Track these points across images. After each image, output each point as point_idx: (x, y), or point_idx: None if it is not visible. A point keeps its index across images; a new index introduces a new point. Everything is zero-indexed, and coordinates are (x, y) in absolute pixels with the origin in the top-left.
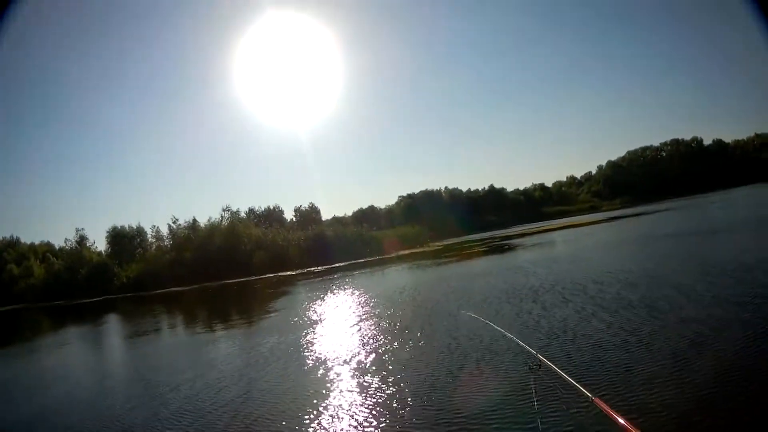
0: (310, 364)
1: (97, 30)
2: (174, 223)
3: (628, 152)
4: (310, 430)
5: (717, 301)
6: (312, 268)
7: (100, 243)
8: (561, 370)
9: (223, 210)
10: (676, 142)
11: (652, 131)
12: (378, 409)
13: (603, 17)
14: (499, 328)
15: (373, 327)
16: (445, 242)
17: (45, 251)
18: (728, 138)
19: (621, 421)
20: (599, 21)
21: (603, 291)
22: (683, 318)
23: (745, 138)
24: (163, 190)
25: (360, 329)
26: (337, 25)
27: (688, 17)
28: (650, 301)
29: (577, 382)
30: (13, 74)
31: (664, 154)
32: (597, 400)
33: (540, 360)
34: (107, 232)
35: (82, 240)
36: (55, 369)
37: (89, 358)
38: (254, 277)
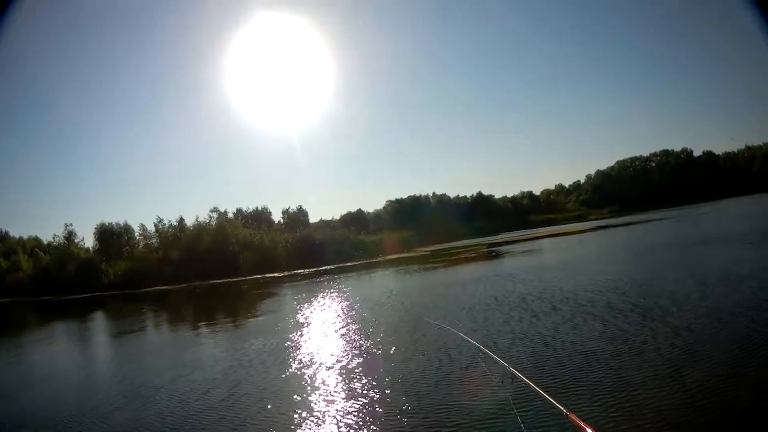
0: (292, 369)
1: (87, 29)
2: (159, 222)
3: (618, 162)
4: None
5: (710, 311)
6: (299, 271)
7: (88, 239)
8: (535, 384)
9: (211, 211)
10: (665, 153)
11: (641, 142)
12: (353, 421)
13: (594, 25)
14: (473, 342)
15: (354, 333)
16: (433, 248)
17: (33, 246)
18: (719, 150)
19: None
20: (590, 29)
21: (591, 300)
22: (673, 327)
23: (735, 150)
24: (151, 189)
25: (342, 335)
26: (327, 28)
27: (680, 28)
28: (640, 310)
29: (551, 397)
30: (1, 71)
31: (654, 164)
32: (571, 415)
33: (512, 374)
34: (95, 228)
35: (70, 236)
36: (38, 367)
37: (73, 357)
38: (241, 278)
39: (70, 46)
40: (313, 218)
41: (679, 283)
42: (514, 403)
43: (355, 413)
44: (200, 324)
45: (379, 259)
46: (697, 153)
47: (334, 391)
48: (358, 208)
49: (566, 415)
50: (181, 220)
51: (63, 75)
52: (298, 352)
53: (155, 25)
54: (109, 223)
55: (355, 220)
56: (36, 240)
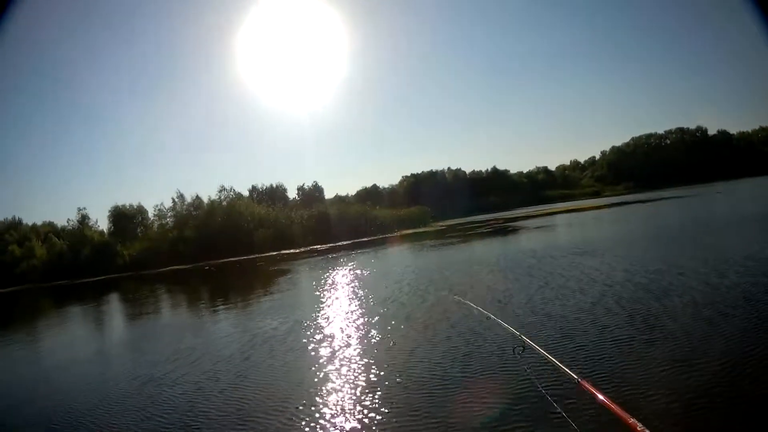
0: (310, 351)
1: (97, 9)
2: (179, 197)
3: (633, 138)
4: (302, 417)
5: (733, 292)
6: (315, 247)
7: (102, 222)
8: (547, 352)
9: (219, 191)
10: (680, 131)
11: (656, 119)
12: (362, 392)
13: (612, 2)
14: (484, 311)
15: (371, 309)
16: (448, 222)
17: (47, 231)
18: (733, 129)
19: (607, 402)
20: (608, 6)
21: (610, 277)
22: (694, 304)
23: (750, 130)
24: (165, 170)
25: (358, 311)
26: (341, 3)
27: (697, 9)
28: (661, 287)
29: (563, 365)
30: (10, 55)
31: (669, 141)
32: (584, 383)
33: (524, 342)
34: (109, 211)
35: (84, 219)
36: (51, 355)
37: (85, 341)
38: (256, 255)
39: (78, 25)
40: (329, 194)
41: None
42: (528, 371)
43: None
44: (214, 303)
45: (394, 234)
46: (711, 132)
47: (354, 375)
48: (373, 183)
49: (578, 382)
50: (197, 197)
51: (74, 58)
52: (311, 333)
53: (169, 4)
54: (122, 205)
55: (371, 195)
56: (50, 225)
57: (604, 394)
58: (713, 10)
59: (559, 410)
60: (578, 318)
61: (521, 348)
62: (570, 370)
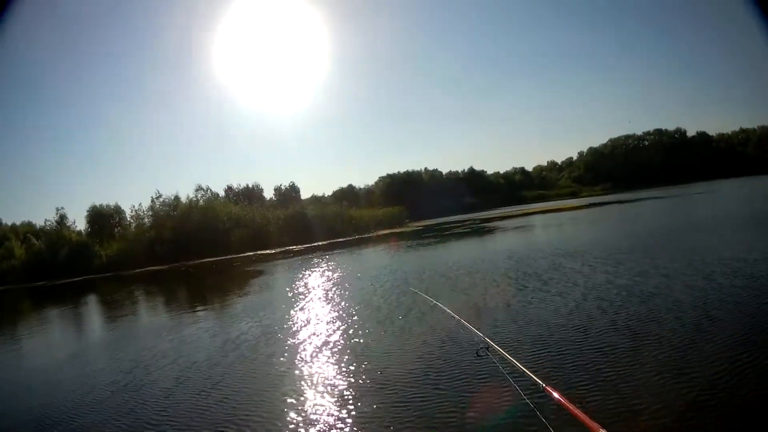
0: (280, 349)
1: (75, 8)
2: (157, 198)
3: (611, 139)
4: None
5: (714, 293)
6: (291, 247)
7: (79, 222)
8: (511, 356)
9: (196, 190)
10: (659, 132)
11: (634, 120)
12: (327, 390)
13: (590, 5)
14: (448, 311)
15: (343, 310)
16: (425, 223)
17: (26, 231)
18: (712, 131)
19: (573, 409)
20: (586, 8)
21: (582, 276)
22: (678, 307)
23: (729, 132)
24: (142, 170)
25: (331, 312)
26: (321, 4)
27: (678, 11)
28: (641, 289)
29: (527, 369)
30: None
31: (647, 143)
32: (548, 389)
33: (488, 345)
34: (87, 211)
35: (62, 219)
36: (31, 358)
37: (59, 346)
38: (233, 256)
39: (53, 24)
40: (305, 195)
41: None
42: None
43: (340, 388)
44: (190, 305)
45: (371, 235)
46: (690, 134)
47: (326, 370)
48: (349, 183)
49: (543, 387)
50: (177, 197)
51: (51, 58)
52: (284, 332)
53: (142, 4)
54: (100, 205)
55: (347, 195)
56: (29, 225)
57: (567, 399)
58: (694, 12)
59: (520, 414)
60: (551, 322)
61: (485, 349)
62: (534, 374)
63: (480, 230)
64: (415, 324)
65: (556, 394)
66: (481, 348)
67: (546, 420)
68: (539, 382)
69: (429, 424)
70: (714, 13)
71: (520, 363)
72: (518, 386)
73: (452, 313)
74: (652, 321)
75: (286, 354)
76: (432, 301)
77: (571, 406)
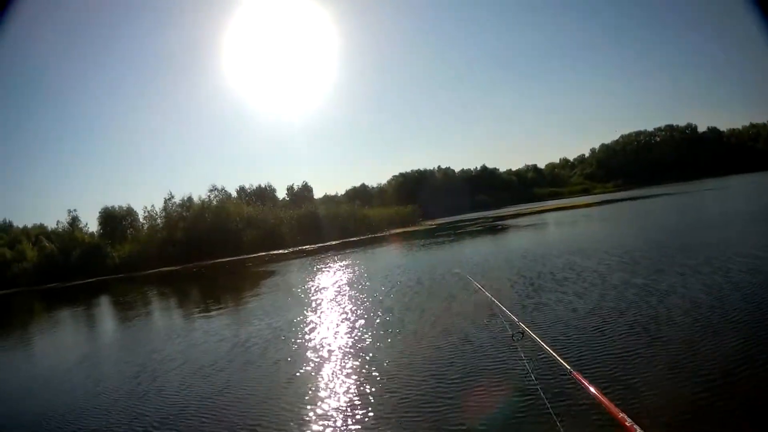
0: (288, 354)
1: (87, 11)
2: (170, 199)
3: (622, 136)
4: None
5: (733, 290)
6: (304, 247)
7: (92, 224)
8: (544, 342)
9: (209, 190)
10: (670, 128)
11: (645, 116)
12: (358, 383)
13: (601, 1)
14: (487, 293)
15: (361, 309)
16: (438, 221)
17: (38, 234)
18: (723, 126)
19: (599, 396)
20: (597, 5)
21: (602, 275)
22: (695, 304)
23: (740, 127)
24: (154, 171)
25: (342, 314)
26: (331, 4)
27: (688, 7)
28: (657, 285)
29: (558, 355)
30: None
31: (658, 139)
32: (576, 374)
33: (523, 330)
34: (99, 213)
35: (74, 221)
36: (43, 360)
37: (70, 349)
38: (246, 256)
39: (67, 25)
40: (318, 194)
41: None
42: (525, 359)
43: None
44: (202, 305)
45: (384, 234)
46: (701, 129)
47: (341, 367)
48: (362, 182)
49: (570, 373)
50: (190, 198)
51: (63, 61)
52: (299, 332)
53: (155, 5)
54: (112, 207)
55: (360, 194)
56: (41, 227)
57: (595, 386)
58: (704, 8)
59: (546, 399)
60: (571, 322)
61: (520, 334)
62: (564, 361)
63: (493, 228)
64: (430, 324)
65: (583, 380)
66: (516, 333)
67: (574, 403)
68: (568, 367)
69: (461, 405)
70: (723, 8)
71: (552, 349)
72: (547, 371)
73: (490, 296)
74: (670, 320)
75: (293, 358)
76: (477, 286)
77: (596, 392)
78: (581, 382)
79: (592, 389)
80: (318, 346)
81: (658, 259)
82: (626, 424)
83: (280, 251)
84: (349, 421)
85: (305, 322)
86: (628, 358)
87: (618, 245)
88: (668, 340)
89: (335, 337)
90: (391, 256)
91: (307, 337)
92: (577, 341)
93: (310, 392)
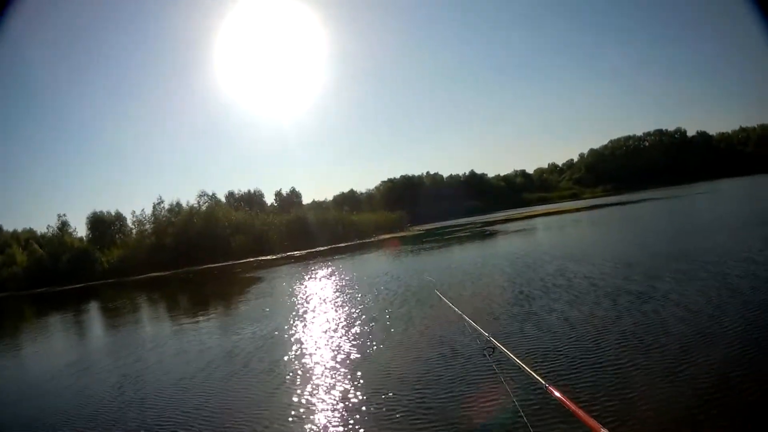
0: (282, 357)
1: (76, 14)
2: (159, 204)
3: (611, 141)
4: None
5: (731, 296)
6: (292, 252)
7: (81, 229)
8: (515, 356)
9: (199, 195)
10: (659, 133)
11: (634, 121)
12: (333, 392)
13: (590, 5)
14: (456, 309)
15: (346, 316)
16: (426, 227)
17: (27, 238)
18: (713, 131)
19: (575, 409)
20: (587, 10)
21: (584, 281)
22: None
23: (729, 131)
24: (143, 176)
25: (333, 318)
26: (320, 7)
27: (678, 12)
28: (645, 292)
29: (531, 369)
30: None
31: (647, 143)
32: (551, 388)
33: (493, 344)
34: (87, 218)
35: (63, 226)
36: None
37: (54, 356)
38: (234, 262)
39: (55, 30)
40: (306, 200)
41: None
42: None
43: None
44: (190, 312)
45: (372, 239)
46: (691, 133)
47: (321, 375)
48: (350, 188)
49: (546, 388)
50: (179, 203)
51: (52, 64)
52: (284, 339)
53: (144, 8)
54: (100, 212)
55: (348, 200)
56: (30, 232)
57: (571, 400)
58: (694, 12)
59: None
60: (556, 329)
61: (491, 350)
62: (538, 375)
63: (481, 234)
64: (414, 330)
65: (558, 393)
66: (487, 348)
67: (548, 418)
68: (542, 381)
69: (438, 420)
70: (713, 12)
71: (524, 363)
72: (521, 385)
73: (458, 311)
74: (657, 324)
75: (274, 370)
76: (448, 303)
77: (572, 405)
78: (557, 396)
79: (567, 401)
80: (299, 358)
81: (651, 264)
82: None
83: (269, 257)
84: None
85: (288, 332)
86: (608, 369)
87: (608, 250)
88: (646, 352)
89: (316, 350)
90: (376, 262)
91: (289, 348)
92: (554, 352)
93: (289, 406)
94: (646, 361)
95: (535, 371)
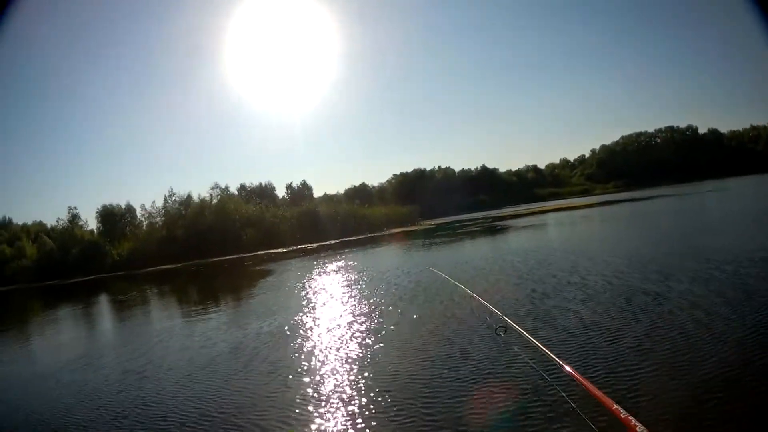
0: (284, 359)
1: (88, 8)
2: (170, 196)
3: (622, 137)
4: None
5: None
6: (303, 246)
7: (91, 222)
8: (529, 334)
9: (212, 188)
10: (670, 129)
11: (646, 117)
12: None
13: (602, 2)
14: (467, 290)
15: (355, 313)
16: (437, 221)
17: (37, 231)
18: (723, 128)
19: (588, 385)
20: (598, 5)
21: (596, 273)
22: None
23: (740, 129)
24: (154, 169)
25: (341, 316)
26: (331, 1)
27: (688, 7)
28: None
29: (544, 347)
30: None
31: (659, 140)
32: (565, 365)
33: (507, 323)
34: (97, 210)
35: (74, 219)
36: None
37: (59, 349)
38: (245, 255)
39: (67, 22)
40: (318, 193)
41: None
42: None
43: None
44: (201, 304)
45: (383, 233)
46: (702, 131)
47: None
48: (361, 182)
49: (559, 365)
50: (189, 196)
51: (64, 58)
52: (295, 333)
53: (154, 2)
54: (110, 205)
55: (360, 194)
56: (40, 225)
57: (586, 379)
58: (704, 9)
59: (538, 393)
60: (580, 320)
61: (503, 329)
62: (553, 353)
63: (492, 229)
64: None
65: (570, 370)
66: (499, 327)
67: (562, 394)
68: (555, 358)
69: (451, 402)
70: (724, 9)
71: (538, 341)
72: (535, 363)
73: (469, 291)
74: (668, 312)
75: (280, 367)
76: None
77: (585, 382)
78: (570, 372)
79: (580, 378)
80: (306, 355)
81: (665, 262)
82: (621, 416)
83: (280, 250)
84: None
85: (296, 327)
86: (627, 353)
87: (622, 247)
88: (672, 338)
89: (325, 346)
90: (387, 256)
91: (296, 344)
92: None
93: (293, 405)
94: (663, 354)
95: (550, 350)
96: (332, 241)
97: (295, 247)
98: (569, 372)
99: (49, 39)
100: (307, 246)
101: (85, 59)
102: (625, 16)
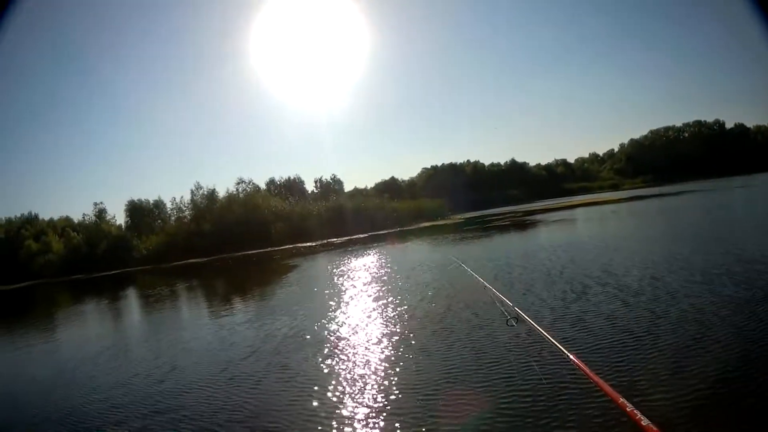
0: (307, 363)
1: (116, 2)
2: (197, 189)
3: (651, 131)
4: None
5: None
6: (331, 240)
7: (119, 217)
8: (539, 326)
9: (237, 183)
10: (698, 124)
11: (674, 112)
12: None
13: None
14: (480, 279)
15: (382, 313)
16: (466, 215)
17: (64, 226)
18: (750, 123)
19: (597, 379)
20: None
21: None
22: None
23: (767, 124)
24: (182, 164)
25: (367, 315)
26: None
27: (717, 3)
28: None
29: (555, 340)
30: (29, 45)
31: (686, 135)
32: (574, 359)
33: (518, 314)
34: (125, 205)
35: (101, 214)
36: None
37: (81, 344)
38: (273, 249)
39: (98, 16)
40: (348, 187)
41: None
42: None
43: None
44: (228, 299)
45: (412, 227)
46: (729, 125)
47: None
48: (391, 176)
49: (569, 358)
50: (214, 190)
51: (90, 53)
52: (324, 330)
53: None
54: (138, 200)
55: (389, 188)
56: (67, 220)
57: (593, 371)
58: (732, 3)
59: (548, 385)
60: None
61: (515, 320)
62: (563, 346)
63: (522, 223)
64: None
65: (580, 364)
66: (511, 318)
67: (570, 387)
68: (563, 349)
69: (464, 390)
70: (750, 5)
71: (548, 334)
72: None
73: (482, 281)
74: (690, 309)
75: (303, 372)
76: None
77: (594, 376)
78: (580, 366)
79: (590, 373)
80: (331, 357)
81: (704, 266)
82: (627, 409)
83: (308, 244)
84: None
85: (322, 324)
86: (638, 348)
87: (656, 245)
88: (672, 334)
89: (349, 347)
90: (415, 250)
91: (321, 344)
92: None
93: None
94: (686, 360)
95: (560, 343)
96: (360, 235)
97: (323, 241)
98: (575, 363)
99: (76, 32)
100: (336, 240)
101: (114, 53)
102: (656, 11)
